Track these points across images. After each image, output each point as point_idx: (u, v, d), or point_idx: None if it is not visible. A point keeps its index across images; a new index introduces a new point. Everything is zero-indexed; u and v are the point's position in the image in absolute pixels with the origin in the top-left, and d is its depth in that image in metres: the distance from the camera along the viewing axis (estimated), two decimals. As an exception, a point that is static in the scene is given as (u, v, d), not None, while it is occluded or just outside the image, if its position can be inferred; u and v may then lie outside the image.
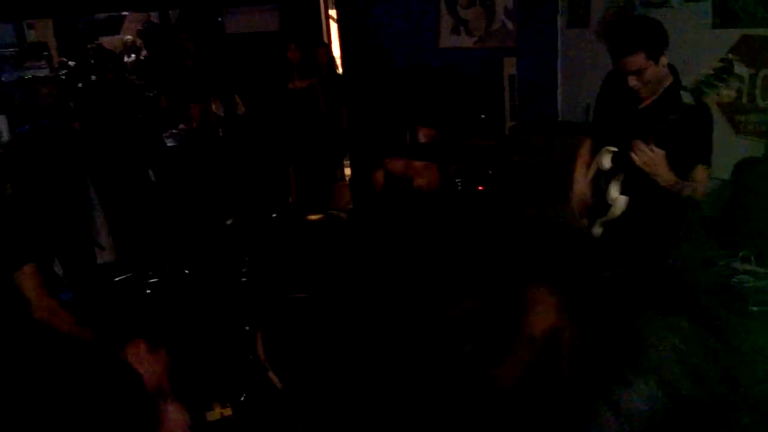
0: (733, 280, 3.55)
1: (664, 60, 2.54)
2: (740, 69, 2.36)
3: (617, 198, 2.68)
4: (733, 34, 4.43)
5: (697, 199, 2.63)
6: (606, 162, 2.74)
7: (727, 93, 2.43)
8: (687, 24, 4.70)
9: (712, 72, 2.36)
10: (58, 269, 2.80)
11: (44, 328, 2.58)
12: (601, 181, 2.78)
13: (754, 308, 3.32)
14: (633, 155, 2.47)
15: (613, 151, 2.72)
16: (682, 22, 4.74)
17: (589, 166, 2.92)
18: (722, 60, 2.38)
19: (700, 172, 2.58)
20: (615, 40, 2.58)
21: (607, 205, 2.71)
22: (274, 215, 3.97)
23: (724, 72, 2.35)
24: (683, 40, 4.65)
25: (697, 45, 4.51)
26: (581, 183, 2.92)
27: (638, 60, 2.48)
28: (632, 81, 2.54)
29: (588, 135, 3.04)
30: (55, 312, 2.55)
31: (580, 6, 5.80)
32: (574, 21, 5.93)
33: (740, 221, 3.87)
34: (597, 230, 2.80)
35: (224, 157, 5.58)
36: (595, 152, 2.88)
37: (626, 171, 2.62)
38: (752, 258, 3.74)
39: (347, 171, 7.24)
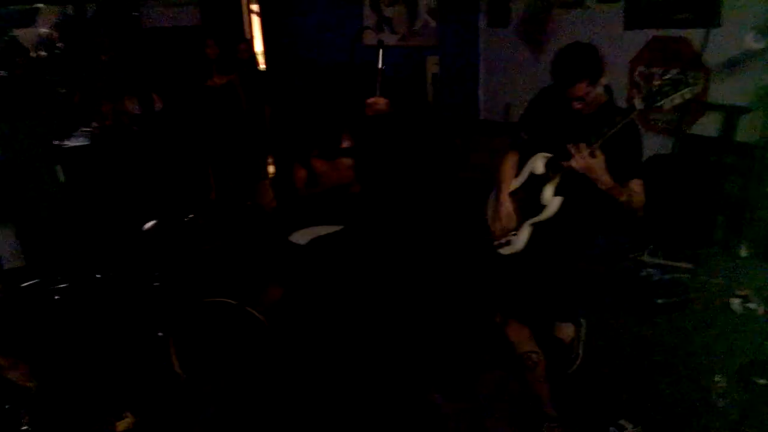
0: (642, 273, 3.67)
1: (603, 81, 2.74)
2: (690, 79, 2.51)
3: (551, 199, 2.80)
4: (645, 35, 4.57)
5: (635, 210, 2.75)
6: (539, 167, 2.86)
7: (679, 101, 2.57)
8: (600, 25, 4.83)
9: (666, 83, 2.52)
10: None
11: None
12: (532, 185, 2.89)
13: (659, 301, 3.44)
14: (574, 159, 2.60)
15: (548, 157, 2.84)
16: (596, 22, 4.87)
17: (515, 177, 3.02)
18: (677, 72, 2.54)
19: (636, 184, 2.75)
20: (559, 70, 2.72)
21: (540, 207, 2.83)
22: (191, 216, 3.87)
23: (678, 83, 2.51)
24: (597, 40, 4.76)
25: (609, 45, 4.63)
26: (505, 194, 3.01)
27: (582, 87, 2.67)
28: (576, 105, 2.73)
29: (512, 147, 3.11)
30: None
31: (500, 6, 5.88)
32: (495, 20, 6.01)
33: (648, 216, 4.00)
34: (525, 231, 2.89)
35: (140, 155, 5.40)
36: (522, 163, 2.98)
37: (562, 175, 2.75)
38: (659, 252, 3.87)
39: (270, 169, 7.13)
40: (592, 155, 2.58)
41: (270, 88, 6.45)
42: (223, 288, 3.09)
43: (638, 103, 2.58)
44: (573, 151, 2.61)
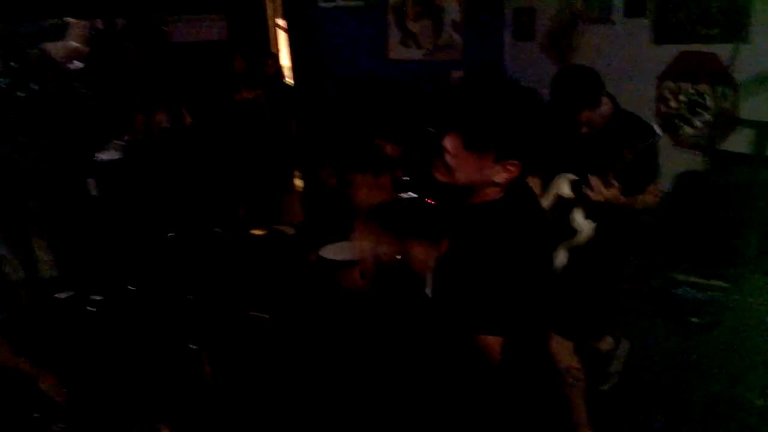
0: (675, 291, 3.63)
1: (604, 100, 2.72)
2: (710, 101, 2.48)
3: (584, 223, 2.78)
4: (673, 50, 4.56)
5: (651, 208, 2.76)
6: (566, 190, 2.83)
7: (700, 125, 2.55)
8: (628, 39, 4.82)
9: (685, 106, 2.49)
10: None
11: None
12: (560, 208, 2.87)
13: (693, 320, 3.40)
14: (593, 193, 2.62)
15: (572, 180, 2.81)
16: (623, 37, 4.86)
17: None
18: (695, 94, 2.52)
19: (651, 188, 2.75)
20: (558, 100, 2.71)
21: (573, 231, 2.80)
22: (218, 230, 3.91)
23: (696, 106, 2.49)
24: (624, 55, 4.77)
25: (637, 60, 4.62)
26: None
27: (584, 115, 2.68)
28: (583, 129, 2.74)
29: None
30: None
31: (525, 20, 5.90)
32: (520, 34, 6.03)
33: (682, 233, 3.97)
34: (561, 254, 2.87)
35: (170, 169, 5.47)
36: (545, 181, 2.98)
37: (587, 201, 2.74)
38: (693, 270, 3.83)
39: (298, 182, 7.19)
40: (609, 184, 2.60)
41: (296, 102, 6.52)
42: (254, 302, 3.13)
43: (657, 129, 2.57)
44: (591, 183, 2.62)
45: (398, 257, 2.01)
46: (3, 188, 2.93)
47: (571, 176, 2.82)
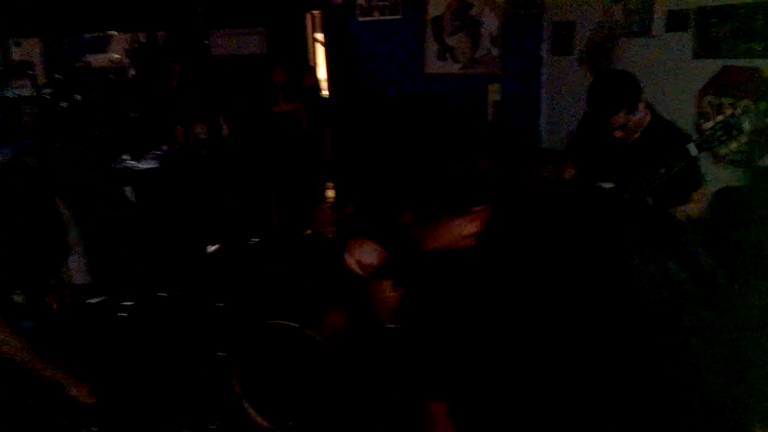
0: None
1: (641, 105, 2.69)
2: (746, 123, 2.44)
3: None
4: (715, 65, 4.47)
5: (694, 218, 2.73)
6: None
7: (736, 146, 2.51)
8: (668, 54, 4.74)
9: (719, 128, 2.45)
10: (20, 298, 2.72)
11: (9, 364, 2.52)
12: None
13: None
14: None
15: (609, 188, 2.78)
16: (664, 51, 4.79)
17: None
18: (731, 115, 2.48)
19: (695, 197, 2.72)
20: (596, 100, 2.70)
21: None
22: (255, 240, 3.93)
23: (731, 128, 2.45)
24: (665, 69, 4.69)
25: (678, 75, 4.54)
26: None
27: (620, 117, 2.64)
28: (618, 134, 2.69)
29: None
30: (15, 347, 2.47)
31: (564, 34, 5.85)
32: (558, 48, 5.98)
33: (721, 251, 3.87)
34: None
35: (207, 178, 5.54)
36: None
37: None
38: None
39: (329, 193, 7.22)
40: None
41: (332, 115, 6.56)
42: (285, 311, 3.12)
43: (692, 150, 2.53)
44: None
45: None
46: (37, 195, 2.98)
47: (608, 185, 2.80)
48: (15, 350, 2.46)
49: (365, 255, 1.68)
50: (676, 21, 4.71)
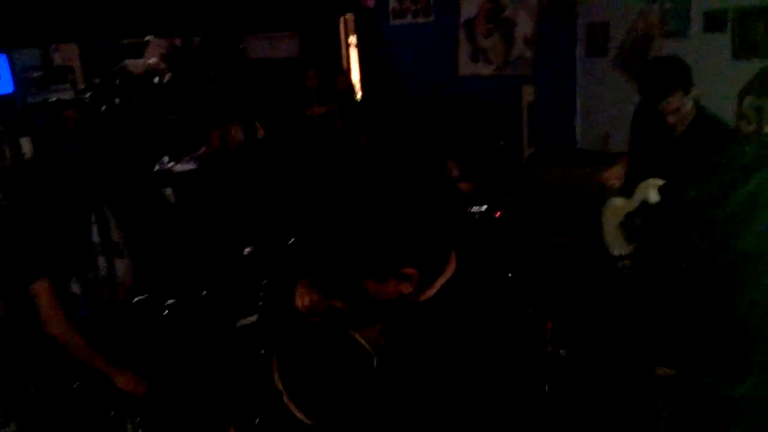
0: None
1: (693, 91, 2.73)
2: None
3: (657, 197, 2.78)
4: (754, 66, 4.43)
5: None
6: (653, 195, 2.81)
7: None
8: (706, 55, 4.71)
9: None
10: (76, 288, 2.82)
11: (54, 345, 2.61)
12: (647, 215, 2.86)
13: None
14: None
15: (659, 185, 2.78)
16: (702, 52, 4.75)
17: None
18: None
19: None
20: (650, 83, 2.71)
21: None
22: (292, 240, 3.99)
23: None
24: (703, 71, 4.65)
25: (716, 76, 4.51)
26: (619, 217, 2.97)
27: (677, 99, 2.66)
28: (671, 119, 2.70)
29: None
30: (67, 331, 2.57)
31: (599, 35, 5.83)
32: (593, 50, 5.96)
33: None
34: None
35: (243, 181, 5.62)
36: (629, 182, 2.95)
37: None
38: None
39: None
40: None
41: (366, 117, 6.61)
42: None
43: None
44: None
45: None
46: (81, 195, 3.08)
47: (658, 181, 2.79)
48: (69, 338, 2.55)
49: (302, 296, 1.72)
50: (713, 22, 4.68)
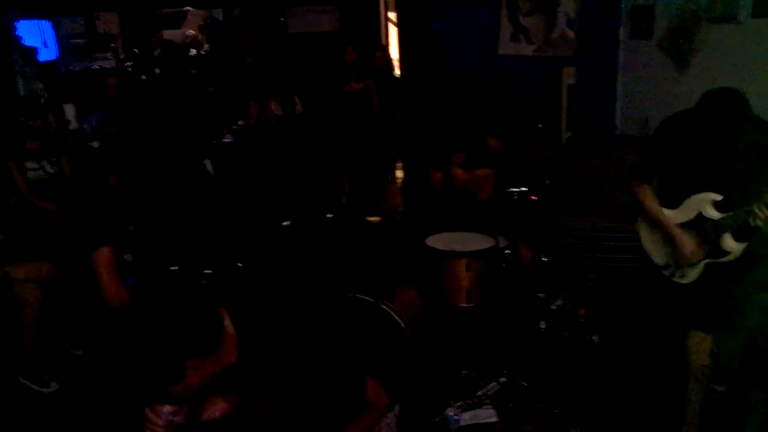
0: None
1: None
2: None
3: (734, 246, 2.78)
4: (803, 52, 4.33)
5: None
6: (712, 211, 2.81)
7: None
8: (755, 40, 4.60)
9: None
10: (128, 256, 2.90)
11: (107, 309, 2.69)
12: (701, 225, 2.85)
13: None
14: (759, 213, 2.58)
15: (716, 200, 2.80)
16: (750, 38, 4.64)
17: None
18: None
19: None
20: (712, 119, 2.71)
21: (721, 251, 2.80)
22: (330, 215, 4.04)
23: None
24: (750, 56, 4.56)
25: (765, 62, 4.41)
26: (675, 228, 2.95)
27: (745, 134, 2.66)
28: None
29: (643, 180, 3.07)
30: (122, 299, 2.66)
31: (644, 17, 5.72)
32: (637, 32, 5.85)
33: None
34: (699, 268, 2.85)
35: (280, 155, 5.67)
36: (673, 195, 2.94)
37: (742, 222, 2.70)
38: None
39: (398, 174, 7.27)
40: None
41: (403, 94, 6.59)
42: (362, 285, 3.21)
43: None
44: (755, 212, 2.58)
45: None
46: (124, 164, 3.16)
47: (715, 196, 2.79)
48: (121, 302, 2.64)
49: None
50: (763, 6, 4.56)
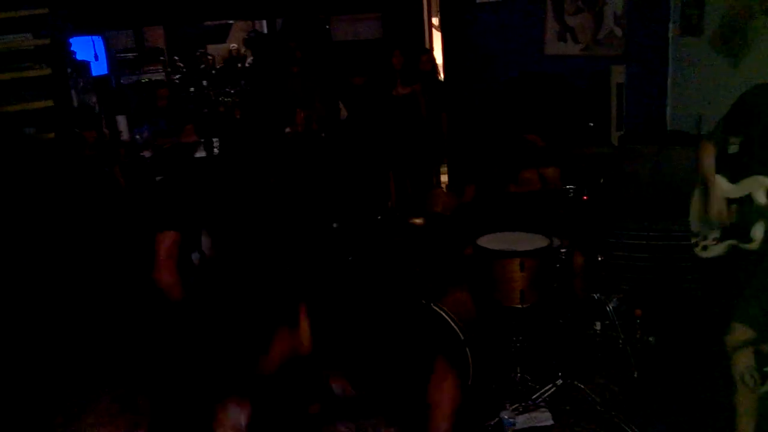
0: None
1: None
2: None
3: (759, 236, 2.74)
4: None
5: None
6: (761, 196, 2.75)
7: None
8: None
9: None
10: (195, 258, 2.92)
11: (153, 289, 2.74)
12: (745, 206, 2.79)
13: None
14: None
15: None
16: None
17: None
18: None
19: None
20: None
21: (747, 236, 2.75)
22: (379, 218, 4.03)
23: None
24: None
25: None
26: (717, 197, 2.88)
27: None
28: None
29: (709, 138, 3.03)
30: (171, 284, 2.70)
31: (694, 13, 5.60)
32: (688, 29, 5.73)
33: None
34: (723, 246, 2.78)
35: (327, 161, 5.69)
36: (734, 172, 2.87)
37: None
38: None
39: (443, 178, 7.24)
40: None
41: (448, 97, 6.58)
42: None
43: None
44: None
45: None
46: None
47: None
48: (171, 288, 2.73)
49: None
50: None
